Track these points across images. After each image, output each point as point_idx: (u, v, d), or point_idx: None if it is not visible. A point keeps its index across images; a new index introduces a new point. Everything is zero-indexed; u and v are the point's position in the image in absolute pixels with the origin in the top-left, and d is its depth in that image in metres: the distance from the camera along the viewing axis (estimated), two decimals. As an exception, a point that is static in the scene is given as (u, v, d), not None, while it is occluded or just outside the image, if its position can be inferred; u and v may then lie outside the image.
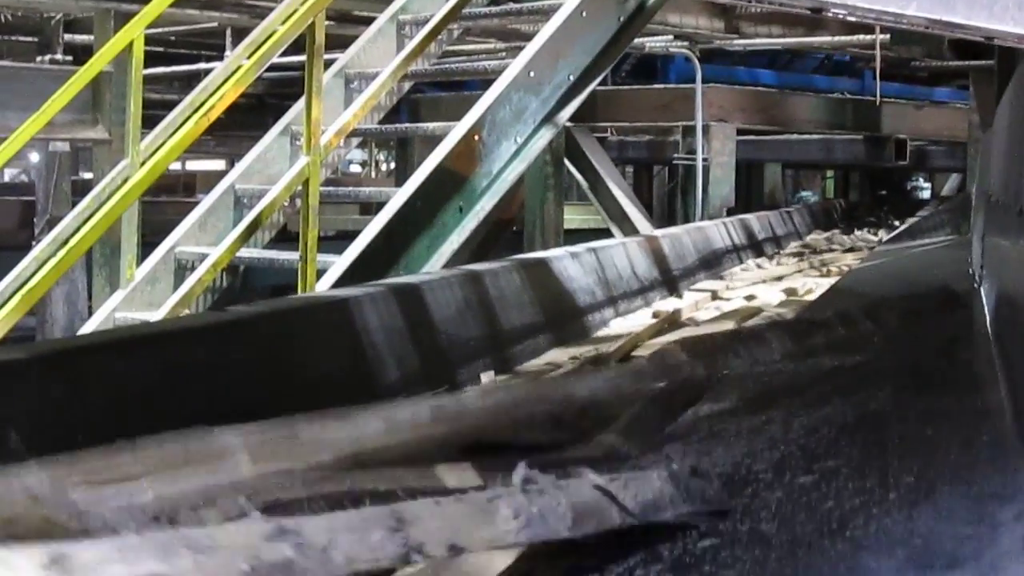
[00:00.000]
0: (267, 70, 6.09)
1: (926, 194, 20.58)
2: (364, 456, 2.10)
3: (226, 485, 1.87)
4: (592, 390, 2.60)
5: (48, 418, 2.74)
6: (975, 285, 4.87)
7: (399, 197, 5.75)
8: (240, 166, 6.51)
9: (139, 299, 5.87)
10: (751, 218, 10.78)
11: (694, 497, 2.00)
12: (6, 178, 20.55)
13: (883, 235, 12.13)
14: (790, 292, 7.22)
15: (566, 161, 11.36)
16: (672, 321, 6.06)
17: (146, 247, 6.11)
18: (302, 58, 5.96)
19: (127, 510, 1.68)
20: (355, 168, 23.69)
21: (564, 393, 2.60)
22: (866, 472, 2.26)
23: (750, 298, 7.02)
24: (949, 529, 1.95)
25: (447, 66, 7.89)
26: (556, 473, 1.95)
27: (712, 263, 8.60)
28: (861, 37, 11.86)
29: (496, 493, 1.84)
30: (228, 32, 10.48)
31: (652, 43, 11.75)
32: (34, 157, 12.68)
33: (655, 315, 6.33)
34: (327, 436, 2.11)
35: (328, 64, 6.38)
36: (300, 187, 5.68)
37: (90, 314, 7.32)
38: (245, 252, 5.89)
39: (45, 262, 5.27)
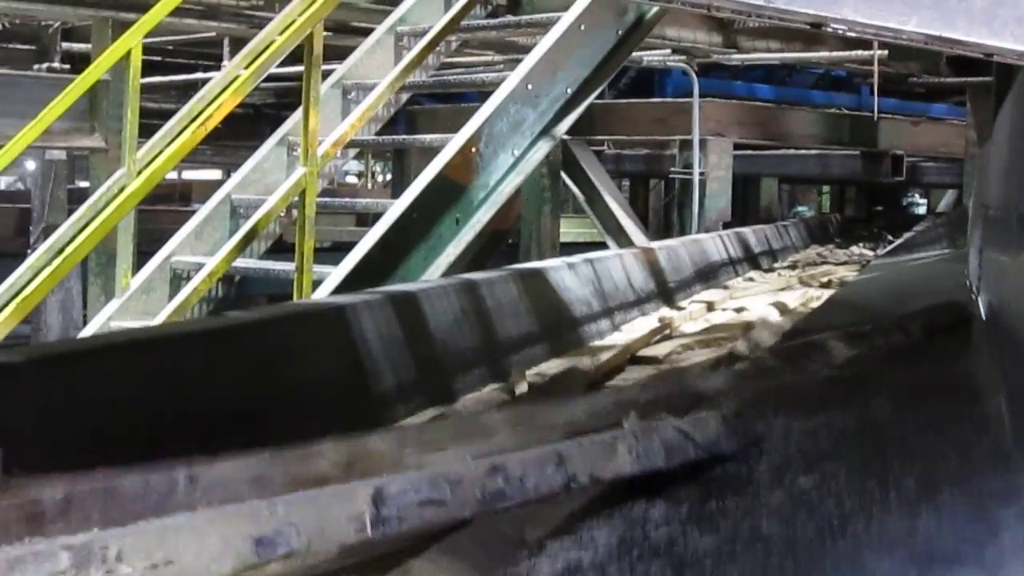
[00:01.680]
0: (265, 80, 6.09)
1: (922, 210, 20.58)
2: (576, 429, 2.76)
3: (500, 447, 2.53)
4: (709, 386, 3.37)
5: (45, 421, 2.73)
6: (972, 296, 4.87)
7: (396, 208, 5.74)
8: (237, 176, 6.50)
9: (134, 308, 5.86)
10: (747, 231, 10.78)
11: (740, 435, 2.61)
12: (2, 185, 20.48)
13: (879, 250, 12.13)
14: (785, 305, 7.21)
15: (563, 174, 11.35)
16: (663, 332, 6.06)
17: (142, 256, 6.11)
18: (300, 68, 5.96)
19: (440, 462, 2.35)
20: (351, 179, 23.67)
21: (692, 388, 3.39)
22: (867, 475, 2.27)
23: (740, 310, 7.02)
24: (950, 528, 1.95)
25: (445, 78, 7.90)
26: (651, 420, 2.59)
27: (708, 275, 8.59)
28: (859, 52, 11.86)
29: (615, 435, 2.45)
30: (226, 42, 10.49)
31: (650, 57, 11.76)
32: (30, 165, 12.66)
33: (660, 321, 6.34)
34: (551, 417, 2.84)
35: (326, 75, 6.37)
36: (296, 197, 5.67)
37: (85, 323, 7.31)
38: (241, 262, 5.89)
39: (40, 270, 5.26)
